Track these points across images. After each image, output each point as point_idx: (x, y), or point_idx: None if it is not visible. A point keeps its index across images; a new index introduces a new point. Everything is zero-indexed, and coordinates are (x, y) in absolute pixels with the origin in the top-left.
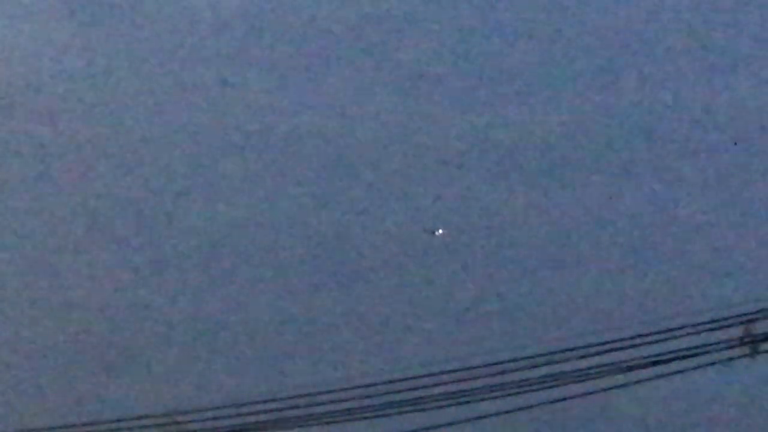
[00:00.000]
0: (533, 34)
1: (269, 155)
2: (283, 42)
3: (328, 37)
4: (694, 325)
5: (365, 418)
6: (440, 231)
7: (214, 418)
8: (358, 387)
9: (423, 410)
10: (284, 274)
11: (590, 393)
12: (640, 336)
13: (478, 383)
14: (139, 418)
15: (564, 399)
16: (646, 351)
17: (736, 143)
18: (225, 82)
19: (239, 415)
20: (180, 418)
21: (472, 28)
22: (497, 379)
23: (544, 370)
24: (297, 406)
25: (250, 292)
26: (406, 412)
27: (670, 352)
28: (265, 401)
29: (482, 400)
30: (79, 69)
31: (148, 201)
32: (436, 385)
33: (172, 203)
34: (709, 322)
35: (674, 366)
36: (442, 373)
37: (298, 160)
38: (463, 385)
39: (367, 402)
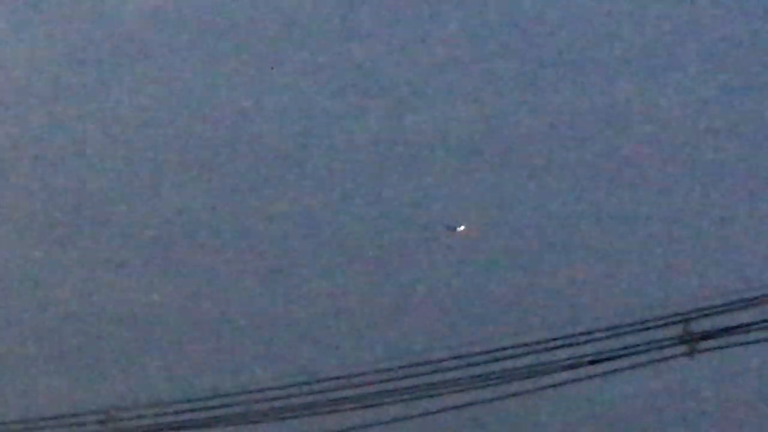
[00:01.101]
0: (452, 34)
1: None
2: (229, 38)
3: (268, 36)
4: (632, 324)
5: (315, 414)
6: (461, 227)
7: (155, 415)
8: (306, 383)
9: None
10: (237, 269)
11: (523, 393)
12: (578, 335)
13: (405, 383)
14: (75, 415)
15: (501, 398)
16: (584, 350)
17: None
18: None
19: (176, 412)
20: (117, 414)
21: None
22: (423, 380)
23: (478, 369)
24: (249, 402)
25: (196, 287)
26: (341, 411)
27: (609, 351)
28: (206, 398)
29: (407, 400)
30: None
31: (83, 197)
32: (346, 387)
33: (106, 199)
34: (647, 321)
35: (613, 364)
36: (354, 376)
37: (267, 155)
38: (380, 387)
39: (309, 399)
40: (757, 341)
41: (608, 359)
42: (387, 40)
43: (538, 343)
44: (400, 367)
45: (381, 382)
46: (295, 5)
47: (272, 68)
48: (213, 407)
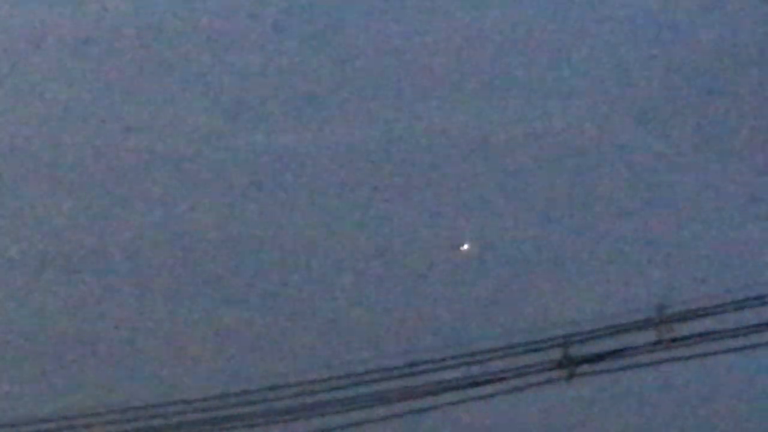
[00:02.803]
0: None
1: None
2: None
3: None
4: (511, 347)
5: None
6: (466, 246)
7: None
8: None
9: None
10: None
11: (401, 415)
12: (456, 357)
13: (285, 404)
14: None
15: (371, 421)
16: (461, 372)
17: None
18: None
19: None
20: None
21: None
22: (301, 400)
23: (350, 392)
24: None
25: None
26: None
27: (487, 374)
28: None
29: (286, 421)
30: None
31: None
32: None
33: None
34: (525, 344)
35: (491, 388)
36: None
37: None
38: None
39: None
40: (638, 366)
41: (485, 382)
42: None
43: (410, 365)
44: (267, 389)
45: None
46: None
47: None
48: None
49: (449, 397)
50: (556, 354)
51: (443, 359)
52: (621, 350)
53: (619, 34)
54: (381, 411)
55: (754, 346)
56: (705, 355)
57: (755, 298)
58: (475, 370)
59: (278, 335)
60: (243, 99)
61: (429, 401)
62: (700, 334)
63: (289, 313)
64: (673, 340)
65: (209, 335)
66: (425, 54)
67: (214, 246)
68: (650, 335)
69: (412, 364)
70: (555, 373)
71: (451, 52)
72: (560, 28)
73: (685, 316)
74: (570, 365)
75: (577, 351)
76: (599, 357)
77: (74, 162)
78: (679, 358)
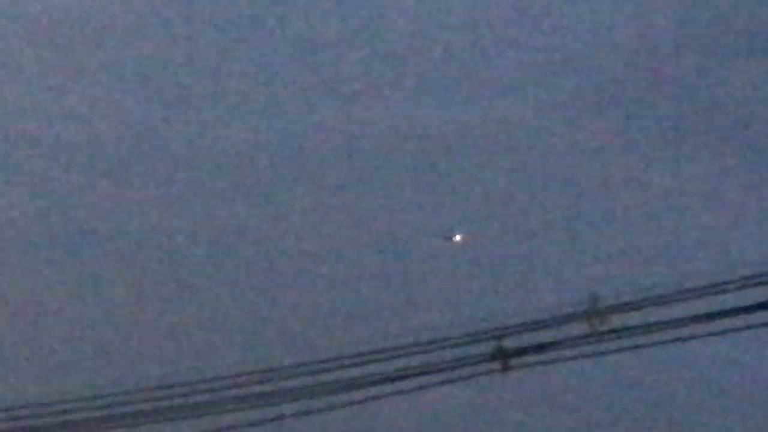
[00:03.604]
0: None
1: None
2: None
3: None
4: (445, 339)
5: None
6: (458, 237)
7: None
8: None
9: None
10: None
11: (337, 406)
12: (391, 349)
13: (239, 392)
14: None
15: (319, 411)
16: (397, 364)
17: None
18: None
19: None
20: None
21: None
22: (249, 390)
23: (299, 381)
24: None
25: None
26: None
27: (423, 366)
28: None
29: (239, 410)
30: None
31: None
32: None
33: None
34: (460, 337)
35: (426, 379)
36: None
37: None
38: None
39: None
40: (572, 358)
41: (419, 374)
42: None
43: (344, 358)
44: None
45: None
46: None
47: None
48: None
49: (384, 388)
50: (490, 346)
51: (378, 351)
52: (554, 342)
53: (559, 27)
54: (317, 403)
55: (686, 338)
56: (637, 347)
57: (687, 291)
58: (410, 361)
59: (195, 332)
60: (178, 92)
61: (364, 393)
62: (633, 326)
63: (201, 309)
64: (606, 332)
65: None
66: (364, 51)
67: (135, 237)
68: (583, 327)
69: (346, 357)
70: (489, 365)
71: (389, 46)
72: (496, 20)
73: (617, 309)
74: (504, 357)
75: (510, 343)
76: (533, 349)
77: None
78: (611, 350)
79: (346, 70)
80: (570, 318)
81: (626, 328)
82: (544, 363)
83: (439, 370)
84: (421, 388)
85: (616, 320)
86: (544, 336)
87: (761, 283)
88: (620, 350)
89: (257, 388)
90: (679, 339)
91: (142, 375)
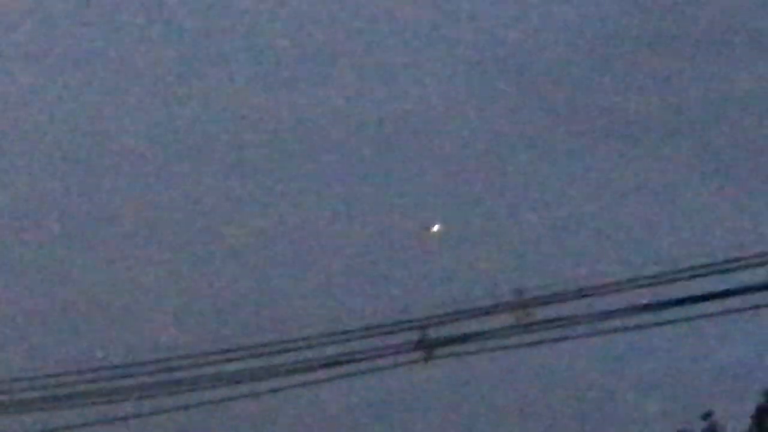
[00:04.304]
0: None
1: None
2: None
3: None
4: (369, 328)
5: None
6: (436, 227)
7: None
8: None
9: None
10: None
11: (260, 393)
12: (315, 337)
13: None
14: None
15: (233, 398)
16: (320, 352)
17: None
18: None
19: None
20: None
21: None
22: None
23: (218, 368)
24: None
25: None
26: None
27: (346, 354)
28: None
29: (136, 399)
30: None
31: None
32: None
33: None
34: (384, 326)
35: (349, 368)
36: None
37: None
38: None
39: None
40: (494, 349)
41: (344, 362)
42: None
43: (269, 344)
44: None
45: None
46: None
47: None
48: None
49: (307, 376)
50: (414, 336)
51: (302, 339)
52: (479, 333)
53: (474, 18)
54: (241, 389)
55: (611, 331)
56: (562, 339)
57: (611, 284)
58: (333, 350)
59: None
60: (113, 79)
61: (288, 380)
62: (557, 318)
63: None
64: (530, 323)
65: None
66: (303, 39)
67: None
68: (508, 318)
69: (268, 344)
70: (413, 355)
71: (302, 34)
72: (416, 13)
73: (542, 300)
74: (428, 347)
75: (434, 333)
76: (457, 339)
77: None
78: (535, 342)
79: (283, 57)
80: (495, 309)
81: (550, 320)
82: (468, 354)
83: (361, 360)
84: (342, 377)
85: (541, 312)
86: (469, 326)
87: (679, 279)
88: (544, 342)
89: (181, 374)
90: (602, 332)
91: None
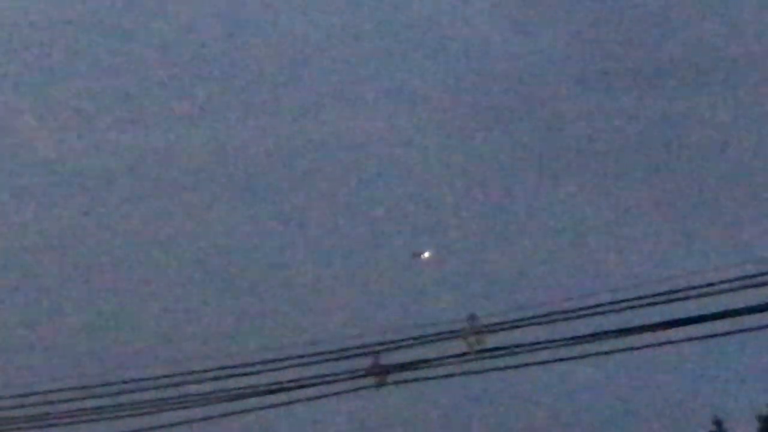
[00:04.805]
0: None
1: None
2: None
3: None
4: (321, 354)
5: None
6: (426, 254)
7: None
8: None
9: None
10: None
11: (212, 417)
12: (267, 362)
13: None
14: None
15: (182, 423)
16: (272, 377)
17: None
18: None
19: None
20: None
21: None
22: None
23: (147, 395)
24: None
25: None
26: None
27: (297, 380)
28: None
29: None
30: None
31: None
32: None
33: None
34: (337, 351)
35: (302, 393)
36: None
37: None
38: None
39: None
40: (447, 375)
41: (295, 388)
42: None
43: (219, 369)
44: None
45: None
46: None
47: None
48: None
49: (259, 401)
50: (366, 362)
51: (254, 363)
52: (431, 359)
53: (418, 44)
54: (184, 413)
55: (563, 359)
56: (515, 366)
57: (564, 312)
58: (286, 375)
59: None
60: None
61: (239, 405)
62: (509, 346)
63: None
64: (483, 350)
65: None
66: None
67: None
68: (460, 345)
69: (219, 369)
70: (364, 381)
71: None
72: (383, 34)
73: (494, 327)
74: (380, 373)
75: (387, 359)
76: (409, 365)
77: None
78: (488, 369)
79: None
80: (448, 335)
81: (502, 348)
82: (420, 380)
83: (314, 385)
84: (293, 402)
85: (493, 339)
86: (422, 352)
87: (630, 307)
88: (496, 369)
89: (123, 398)
90: (558, 360)
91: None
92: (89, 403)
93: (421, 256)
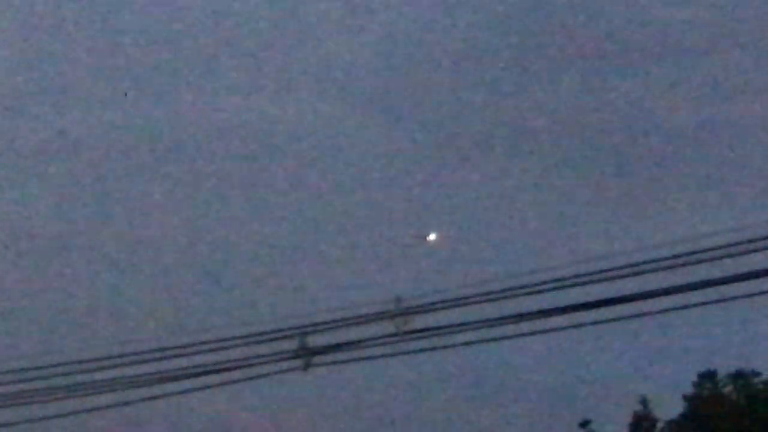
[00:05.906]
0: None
1: None
2: None
3: None
4: (247, 336)
5: None
6: (432, 236)
7: None
8: None
9: None
10: None
11: (133, 402)
12: (193, 345)
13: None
14: None
15: (110, 406)
16: (198, 360)
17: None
18: None
19: None
20: None
21: None
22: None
23: (65, 380)
24: None
25: None
26: None
27: (223, 362)
28: None
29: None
30: None
31: None
32: None
33: None
34: (262, 334)
35: (227, 376)
36: None
37: None
38: None
39: None
40: (375, 357)
41: (221, 370)
42: None
43: (145, 352)
44: None
45: None
46: None
47: None
48: None
49: (183, 384)
50: (293, 344)
51: (180, 347)
52: (358, 341)
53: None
54: (115, 397)
55: (487, 340)
56: (442, 347)
57: (496, 293)
58: (212, 357)
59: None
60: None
61: (163, 389)
62: (435, 327)
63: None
64: (409, 332)
65: None
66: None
67: None
68: (388, 327)
69: (145, 352)
70: (291, 363)
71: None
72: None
73: (421, 309)
74: (306, 355)
75: (314, 341)
76: (336, 347)
77: None
78: (414, 350)
79: (148, 68)
80: (375, 317)
81: (428, 329)
82: (347, 361)
83: (240, 367)
84: (220, 384)
85: (419, 321)
86: (348, 334)
87: (561, 288)
88: (423, 350)
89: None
90: (482, 340)
91: None
92: None
93: (426, 238)
